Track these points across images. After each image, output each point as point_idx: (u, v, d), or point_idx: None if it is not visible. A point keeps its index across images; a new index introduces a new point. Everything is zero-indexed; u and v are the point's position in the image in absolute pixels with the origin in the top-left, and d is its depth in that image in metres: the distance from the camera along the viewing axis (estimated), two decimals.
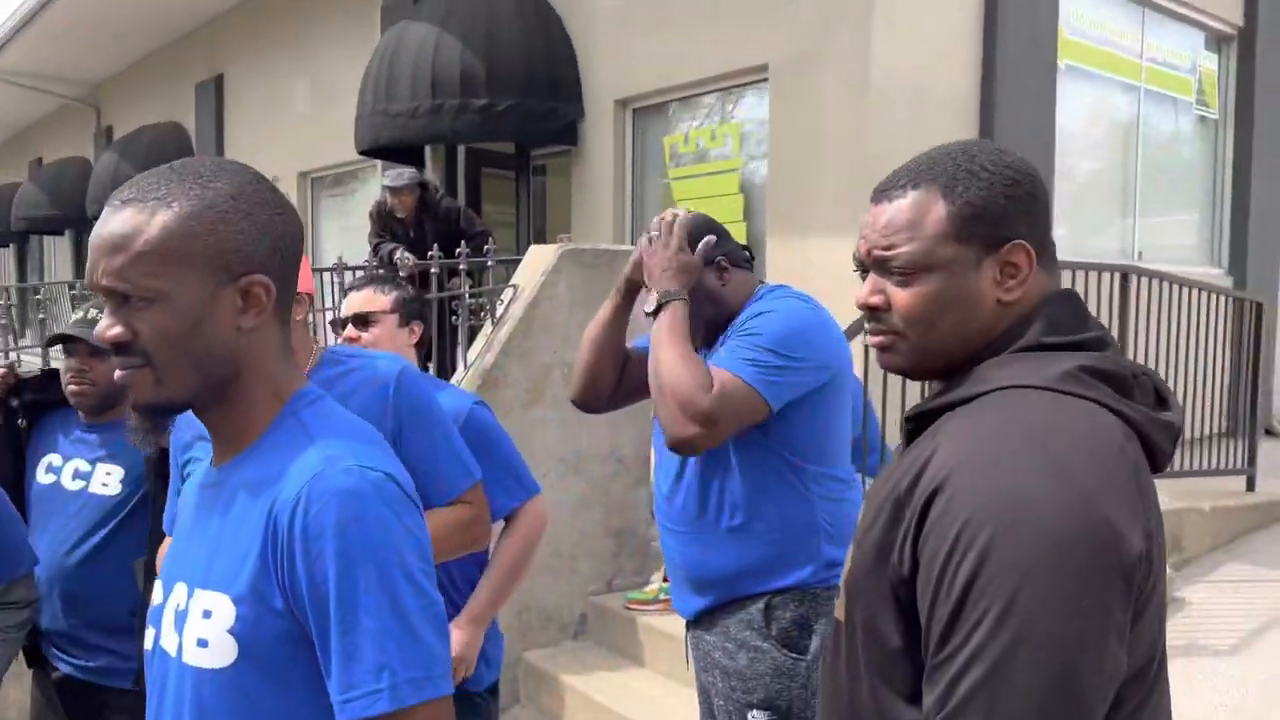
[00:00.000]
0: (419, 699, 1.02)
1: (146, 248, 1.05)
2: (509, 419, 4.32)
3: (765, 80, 5.79)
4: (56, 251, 16.89)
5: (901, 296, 1.16)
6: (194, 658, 1.08)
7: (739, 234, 5.98)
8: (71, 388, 2.32)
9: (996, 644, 0.96)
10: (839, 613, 1.19)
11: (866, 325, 1.21)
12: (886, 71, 5.21)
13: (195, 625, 1.08)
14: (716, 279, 2.08)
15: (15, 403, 2.46)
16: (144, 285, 1.05)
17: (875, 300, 1.18)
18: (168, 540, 1.91)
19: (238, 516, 1.10)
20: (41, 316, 5.29)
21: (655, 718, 3.86)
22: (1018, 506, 0.98)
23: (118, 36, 12.02)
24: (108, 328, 1.07)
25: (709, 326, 2.08)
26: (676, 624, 4.17)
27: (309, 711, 1.06)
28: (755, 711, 2.02)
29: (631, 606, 4.49)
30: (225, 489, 1.13)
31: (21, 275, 17.81)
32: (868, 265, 1.19)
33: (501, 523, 2.48)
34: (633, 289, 2.15)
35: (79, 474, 2.38)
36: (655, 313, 1.99)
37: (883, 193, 1.18)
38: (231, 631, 1.06)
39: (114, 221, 1.06)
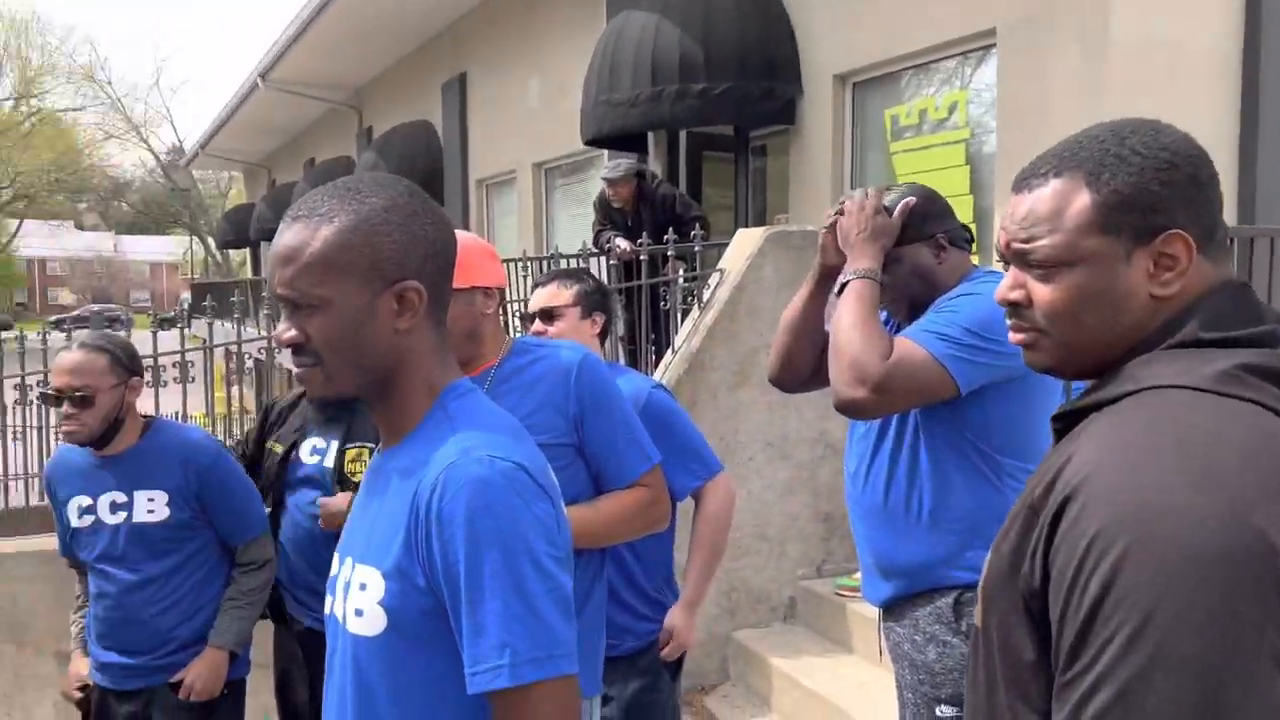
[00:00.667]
0: (539, 676, 1.09)
1: (311, 259, 1.17)
2: (714, 402, 4.38)
3: (993, 45, 5.48)
4: None
5: (1042, 292, 1.09)
6: (353, 626, 1.20)
7: (965, 208, 5.72)
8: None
9: (1127, 666, 0.89)
10: (977, 619, 1.14)
11: (1008, 321, 1.15)
12: (1128, 27, 4.79)
13: (355, 596, 1.20)
14: (932, 255, 2.02)
15: None
16: (310, 293, 1.17)
17: (1015, 296, 1.12)
18: None
19: (391, 499, 1.20)
20: None
21: (863, 704, 3.81)
22: (1157, 517, 0.90)
23: (374, 44, 13.04)
24: (283, 332, 1.20)
25: (914, 305, 2.03)
26: None
27: (453, 679, 1.15)
28: (944, 706, 1.96)
29: (842, 593, 4.43)
30: (384, 473, 1.25)
31: None
32: (1007, 258, 1.13)
33: (692, 502, 2.54)
34: (828, 273, 2.13)
35: (316, 450, 2.65)
36: (840, 290, 1.97)
37: (1023, 181, 1.12)
38: (381, 604, 1.16)
39: (285, 236, 1.19)
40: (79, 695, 2.62)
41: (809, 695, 4.00)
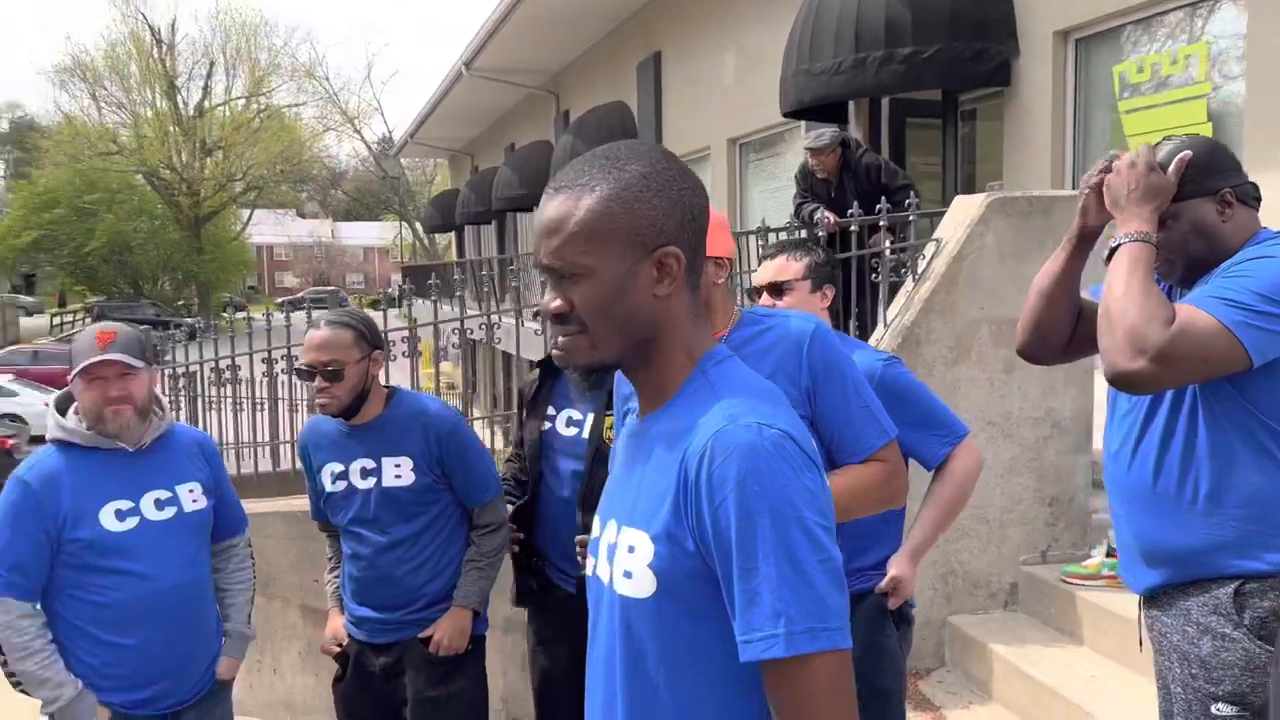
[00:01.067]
0: (815, 648, 1.07)
1: (576, 229, 1.18)
2: (930, 378, 4.21)
3: None
4: (528, 226, 19.21)
5: None
6: (621, 587, 1.21)
7: None
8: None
9: None
10: None
11: None
12: None
13: (622, 559, 1.21)
14: (1216, 211, 1.86)
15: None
16: (575, 262, 1.19)
17: None
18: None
19: (656, 464, 1.21)
20: (514, 284, 6.10)
21: (1094, 698, 3.59)
22: None
23: (570, 28, 13.31)
24: (550, 301, 1.22)
25: (1193, 265, 1.88)
26: (1123, 603, 3.82)
27: (722, 642, 1.15)
28: (1221, 704, 1.82)
29: (1070, 580, 4.19)
30: (647, 439, 1.25)
31: (500, 248, 20.50)
32: None
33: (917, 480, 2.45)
34: (1086, 236, 2.00)
35: (572, 421, 2.73)
36: (1109, 258, 1.84)
37: None
38: (651, 567, 1.17)
39: (549, 208, 1.21)
40: (336, 650, 2.82)
41: (1035, 685, 3.81)
